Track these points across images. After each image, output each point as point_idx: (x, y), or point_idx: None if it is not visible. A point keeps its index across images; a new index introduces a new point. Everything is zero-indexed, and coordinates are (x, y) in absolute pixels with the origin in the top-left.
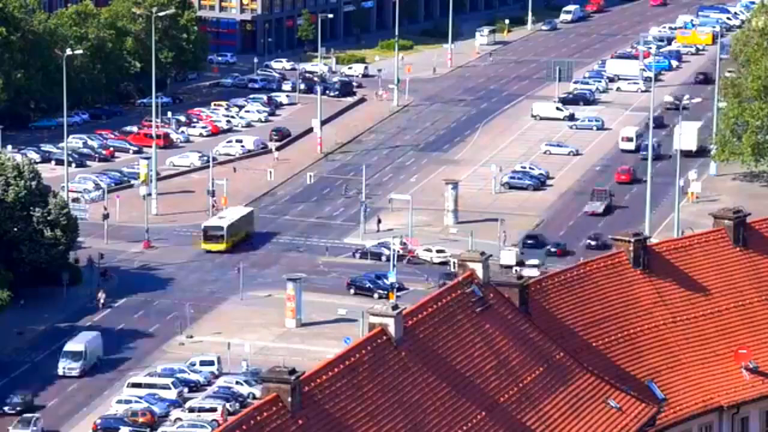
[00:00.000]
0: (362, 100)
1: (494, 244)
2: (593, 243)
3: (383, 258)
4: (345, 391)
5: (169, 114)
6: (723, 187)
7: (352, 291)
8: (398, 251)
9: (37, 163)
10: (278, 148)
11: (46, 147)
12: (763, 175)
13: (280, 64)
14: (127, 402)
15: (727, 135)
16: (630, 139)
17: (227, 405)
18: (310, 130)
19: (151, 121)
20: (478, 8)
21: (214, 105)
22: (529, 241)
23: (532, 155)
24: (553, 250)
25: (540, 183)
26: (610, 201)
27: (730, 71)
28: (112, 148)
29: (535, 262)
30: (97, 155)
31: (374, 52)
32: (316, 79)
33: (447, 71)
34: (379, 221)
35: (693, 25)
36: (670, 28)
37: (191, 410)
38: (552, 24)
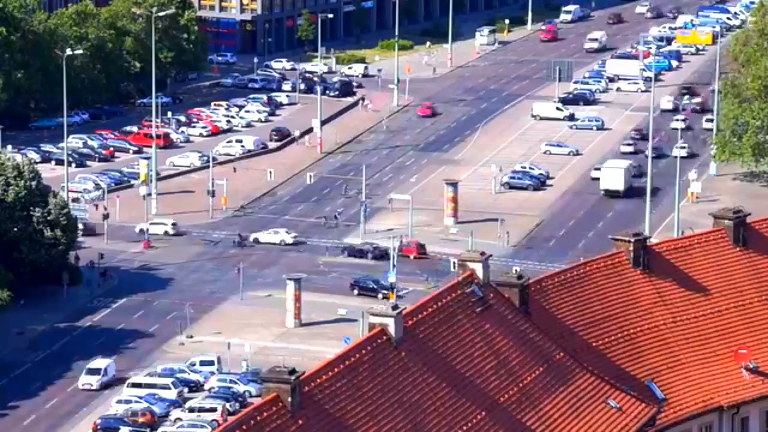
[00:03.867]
0: (363, 100)
1: (494, 244)
2: None
3: (369, 256)
4: (345, 391)
5: (169, 114)
6: (723, 187)
7: (355, 292)
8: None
9: (37, 163)
10: (302, 134)
11: (46, 147)
12: (763, 175)
13: (280, 64)
14: (127, 402)
15: (727, 135)
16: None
17: (227, 405)
18: (310, 130)
19: (151, 121)
20: (478, 8)
21: (214, 105)
22: (684, 91)
23: (532, 155)
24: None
25: (540, 183)
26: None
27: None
28: (112, 148)
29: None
30: (97, 155)
31: (374, 52)
32: (316, 79)
33: (447, 71)
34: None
35: (693, 25)
36: (670, 28)
37: (191, 410)
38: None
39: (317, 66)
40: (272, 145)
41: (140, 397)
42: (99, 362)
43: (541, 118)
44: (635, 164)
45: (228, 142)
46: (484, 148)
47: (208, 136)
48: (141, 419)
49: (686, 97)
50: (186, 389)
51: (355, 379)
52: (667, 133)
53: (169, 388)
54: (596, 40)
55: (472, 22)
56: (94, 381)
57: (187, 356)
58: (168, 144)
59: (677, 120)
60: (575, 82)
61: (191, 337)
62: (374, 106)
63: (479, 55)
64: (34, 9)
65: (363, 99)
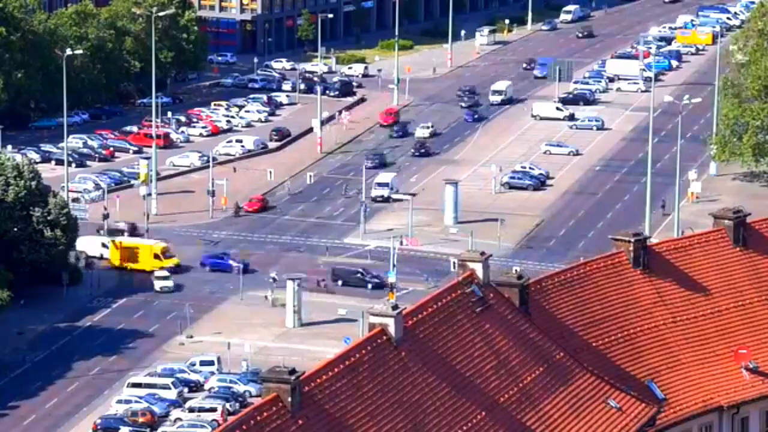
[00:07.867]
0: (362, 100)
1: (494, 243)
2: None
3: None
4: (345, 391)
5: (169, 114)
6: (723, 187)
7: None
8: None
9: (37, 163)
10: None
11: (46, 147)
12: (763, 175)
13: (280, 64)
14: (127, 402)
15: (727, 135)
16: None
17: (227, 405)
18: (310, 130)
19: (151, 121)
20: (478, 8)
21: (214, 105)
22: None
23: (532, 155)
24: None
25: (540, 183)
26: None
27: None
28: (112, 148)
29: None
30: (97, 155)
31: (374, 52)
32: (316, 79)
33: (447, 71)
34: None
35: (693, 25)
36: (670, 28)
37: (191, 410)
38: (552, 24)
39: (317, 66)
40: (272, 145)
41: (140, 397)
42: None
43: (541, 118)
44: None
45: (228, 142)
46: (484, 148)
47: (208, 136)
48: (141, 419)
49: (686, 96)
50: (186, 389)
51: (355, 379)
52: None
53: (169, 388)
54: (501, 92)
55: (472, 22)
56: None
57: (187, 356)
58: (168, 144)
59: None
60: (575, 82)
61: (191, 337)
62: (351, 120)
63: (479, 55)
64: (34, 9)
65: (340, 112)
